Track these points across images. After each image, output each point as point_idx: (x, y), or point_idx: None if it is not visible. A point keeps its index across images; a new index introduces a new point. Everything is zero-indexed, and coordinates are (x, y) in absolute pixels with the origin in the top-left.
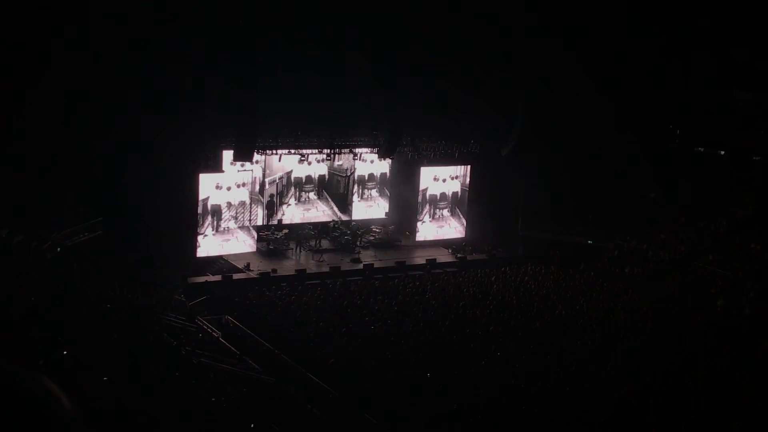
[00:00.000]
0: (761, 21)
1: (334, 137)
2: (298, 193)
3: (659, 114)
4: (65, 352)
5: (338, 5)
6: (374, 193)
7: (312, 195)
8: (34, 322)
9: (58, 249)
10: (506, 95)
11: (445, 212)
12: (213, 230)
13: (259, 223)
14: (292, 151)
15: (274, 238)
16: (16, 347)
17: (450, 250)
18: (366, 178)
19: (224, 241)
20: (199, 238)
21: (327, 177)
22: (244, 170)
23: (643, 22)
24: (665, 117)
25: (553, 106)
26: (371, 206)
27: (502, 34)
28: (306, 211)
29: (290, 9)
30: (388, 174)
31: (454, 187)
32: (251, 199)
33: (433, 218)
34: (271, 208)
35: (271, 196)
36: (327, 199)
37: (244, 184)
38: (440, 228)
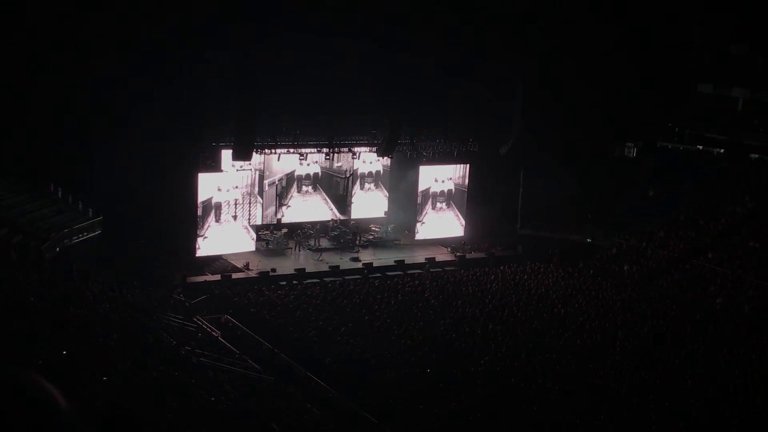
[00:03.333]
0: (760, 19)
1: (333, 136)
2: (298, 185)
3: (659, 112)
4: (64, 352)
5: (338, 4)
6: (373, 186)
7: (310, 189)
8: (34, 322)
9: (57, 249)
10: (506, 94)
11: (444, 205)
12: (215, 221)
13: (259, 222)
14: (291, 150)
15: (273, 238)
16: (16, 347)
17: (449, 249)
18: (366, 174)
19: (225, 237)
20: (199, 240)
21: (320, 174)
22: (243, 170)
23: (643, 21)
24: (665, 115)
25: (553, 104)
26: (370, 192)
27: (502, 33)
28: (306, 211)
29: (289, 8)
30: (383, 171)
31: (449, 186)
32: (250, 199)
33: (434, 209)
34: (283, 197)
35: (277, 189)
36: (325, 198)
37: (239, 186)
38: (440, 226)
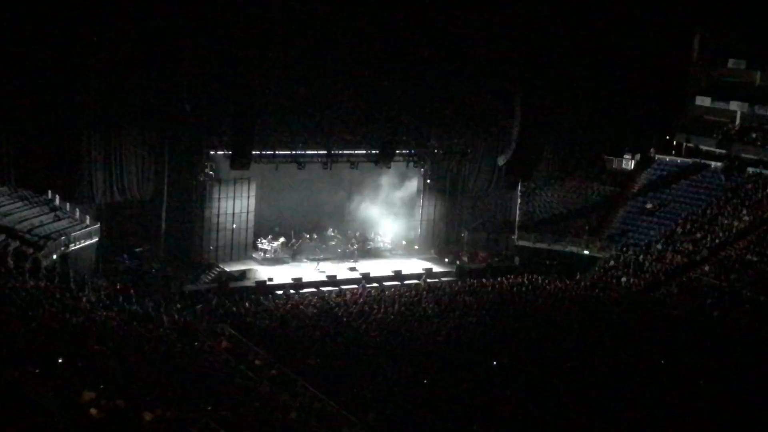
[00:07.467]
0: (757, 33)
1: (331, 145)
2: None
3: (657, 125)
4: (60, 360)
5: (337, 13)
6: (371, 196)
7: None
8: (30, 330)
9: (54, 256)
10: (504, 104)
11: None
12: (214, 230)
13: (257, 231)
14: (289, 159)
15: (271, 247)
16: (12, 353)
17: (447, 259)
18: (364, 183)
19: (223, 246)
20: (198, 248)
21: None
22: (243, 178)
23: (641, 30)
24: (662, 128)
25: (551, 116)
26: (368, 202)
27: (503, 45)
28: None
29: (289, 18)
30: (381, 181)
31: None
32: (249, 208)
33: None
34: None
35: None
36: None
37: (239, 194)
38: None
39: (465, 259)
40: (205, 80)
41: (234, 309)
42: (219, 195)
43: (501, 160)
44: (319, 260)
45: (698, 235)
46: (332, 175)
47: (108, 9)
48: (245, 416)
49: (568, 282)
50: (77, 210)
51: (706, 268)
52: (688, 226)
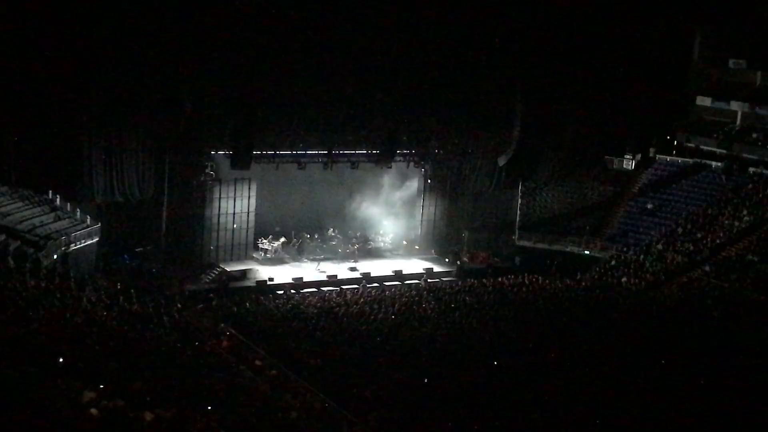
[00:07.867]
0: (758, 33)
1: (332, 146)
2: None
3: (657, 125)
4: (60, 360)
5: (337, 17)
6: (371, 196)
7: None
8: (30, 330)
9: (55, 256)
10: (504, 105)
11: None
12: (215, 230)
13: (257, 231)
14: (290, 159)
15: (271, 247)
16: (12, 354)
17: (447, 259)
18: (364, 183)
19: (223, 246)
20: (198, 248)
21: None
22: (243, 179)
23: (642, 30)
24: (663, 128)
25: (552, 116)
26: (369, 202)
27: (502, 46)
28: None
29: (290, 19)
30: (382, 181)
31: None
32: (249, 208)
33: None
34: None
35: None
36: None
37: (239, 195)
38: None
39: (465, 259)
40: (206, 79)
41: (234, 309)
42: (219, 195)
43: (501, 161)
44: (319, 260)
45: (699, 235)
46: (333, 175)
47: (108, 8)
48: (245, 416)
49: (568, 282)
50: (78, 210)
51: (707, 268)
52: (689, 226)
